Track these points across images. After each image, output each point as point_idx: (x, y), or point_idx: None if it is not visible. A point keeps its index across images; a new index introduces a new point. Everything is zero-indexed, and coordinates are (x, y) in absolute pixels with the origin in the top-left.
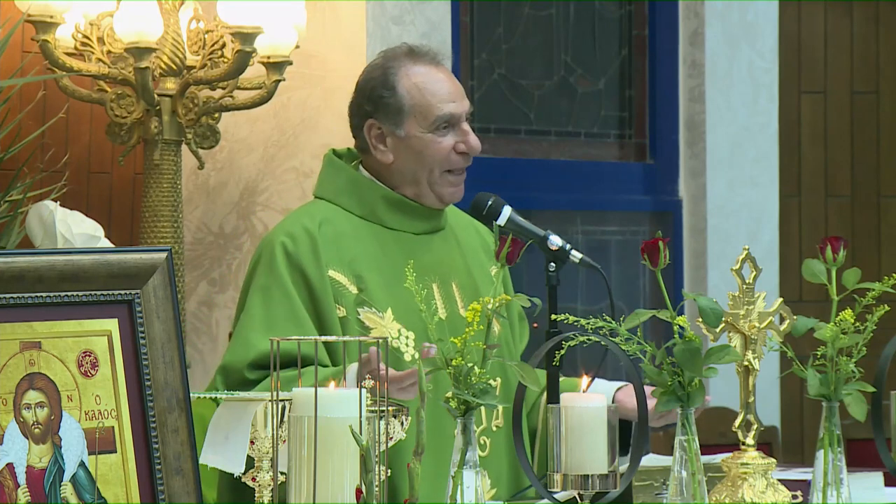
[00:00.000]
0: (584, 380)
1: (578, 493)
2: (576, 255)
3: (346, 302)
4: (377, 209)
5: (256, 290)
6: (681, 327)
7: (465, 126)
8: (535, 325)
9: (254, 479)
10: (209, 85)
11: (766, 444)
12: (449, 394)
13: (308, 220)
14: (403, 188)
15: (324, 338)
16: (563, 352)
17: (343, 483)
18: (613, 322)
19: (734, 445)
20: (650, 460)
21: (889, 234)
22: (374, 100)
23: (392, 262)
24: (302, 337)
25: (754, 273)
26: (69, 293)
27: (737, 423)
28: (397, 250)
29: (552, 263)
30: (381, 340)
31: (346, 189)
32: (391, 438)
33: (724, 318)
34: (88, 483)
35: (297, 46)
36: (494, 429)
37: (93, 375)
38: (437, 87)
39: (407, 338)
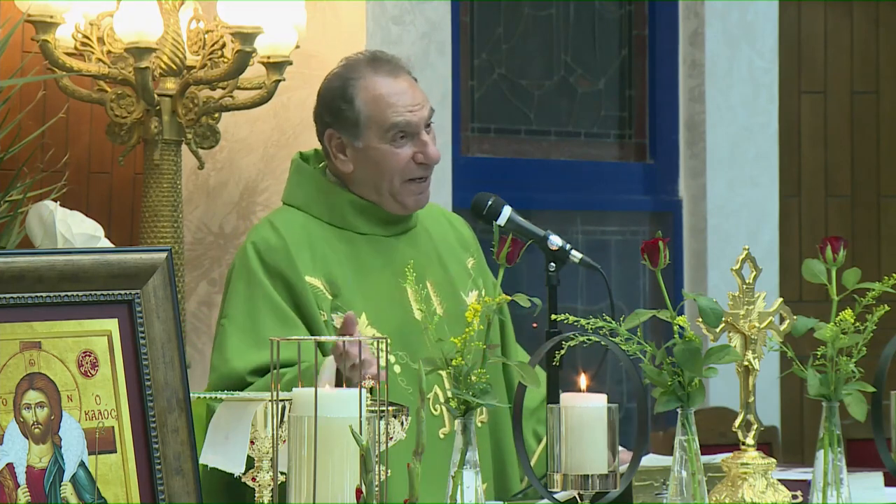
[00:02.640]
0: (583, 379)
1: (578, 493)
2: (576, 255)
3: (325, 307)
4: (346, 215)
5: (237, 297)
6: (681, 327)
7: (425, 136)
8: (535, 325)
9: (254, 479)
10: (209, 85)
11: (766, 444)
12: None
13: (279, 228)
14: (367, 195)
15: (323, 338)
16: (563, 352)
17: (343, 483)
18: (613, 322)
19: (734, 445)
20: (650, 460)
21: (889, 234)
22: (333, 111)
23: (364, 266)
24: (302, 337)
25: (754, 273)
26: (69, 293)
27: (737, 423)
28: (369, 254)
29: (552, 263)
30: (379, 341)
31: (315, 197)
32: (391, 438)
33: (724, 318)
34: (88, 483)
35: (297, 46)
36: (479, 424)
37: (93, 375)
38: (394, 98)
39: (381, 342)
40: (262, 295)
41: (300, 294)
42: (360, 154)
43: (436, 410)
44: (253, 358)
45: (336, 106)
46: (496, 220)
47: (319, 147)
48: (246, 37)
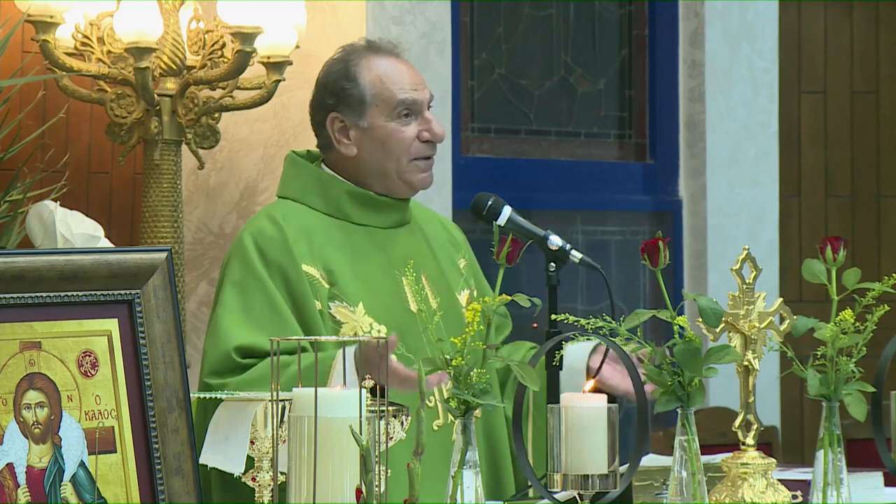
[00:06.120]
0: (588, 383)
1: (578, 493)
2: (576, 255)
3: (321, 296)
4: (343, 205)
5: (231, 284)
6: (681, 327)
7: (428, 114)
8: (535, 325)
9: (254, 479)
10: (209, 85)
11: (766, 444)
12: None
13: (276, 217)
14: (371, 182)
15: (323, 337)
16: (563, 352)
17: (343, 483)
18: (613, 322)
19: (734, 445)
20: (650, 460)
21: (889, 234)
22: (336, 92)
23: (361, 256)
24: (302, 337)
25: (754, 273)
26: (69, 293)
27: (737, 423)
28: (366, 245)
29: (552, 263)
30: (380, 340)
31: (310, 187)
32: (391, 438)
33: (724, 318)
34: (88, 483)
35: (297, 46)
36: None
37: (93, 375)
38: (397, 75)
39: (378, 332)
40: (256, 284)
41: (296, 284)
42: (364, 135)
43: (430, 402)
44: (240, 334)
45: (339, 86)
46: (496, 220)
47: (314, 148)
48: (246, 37)
